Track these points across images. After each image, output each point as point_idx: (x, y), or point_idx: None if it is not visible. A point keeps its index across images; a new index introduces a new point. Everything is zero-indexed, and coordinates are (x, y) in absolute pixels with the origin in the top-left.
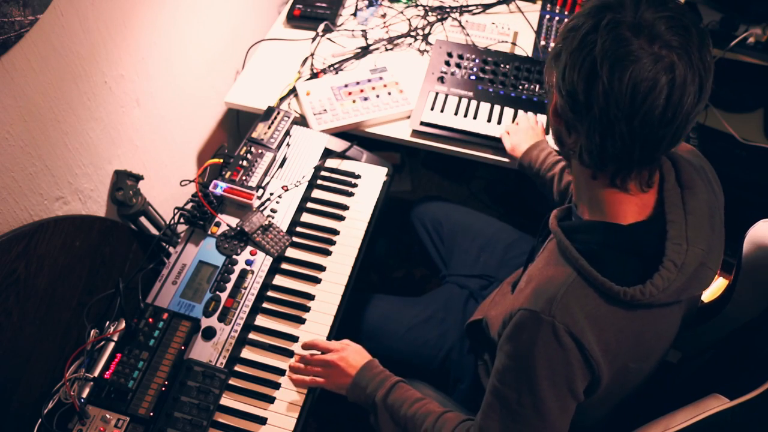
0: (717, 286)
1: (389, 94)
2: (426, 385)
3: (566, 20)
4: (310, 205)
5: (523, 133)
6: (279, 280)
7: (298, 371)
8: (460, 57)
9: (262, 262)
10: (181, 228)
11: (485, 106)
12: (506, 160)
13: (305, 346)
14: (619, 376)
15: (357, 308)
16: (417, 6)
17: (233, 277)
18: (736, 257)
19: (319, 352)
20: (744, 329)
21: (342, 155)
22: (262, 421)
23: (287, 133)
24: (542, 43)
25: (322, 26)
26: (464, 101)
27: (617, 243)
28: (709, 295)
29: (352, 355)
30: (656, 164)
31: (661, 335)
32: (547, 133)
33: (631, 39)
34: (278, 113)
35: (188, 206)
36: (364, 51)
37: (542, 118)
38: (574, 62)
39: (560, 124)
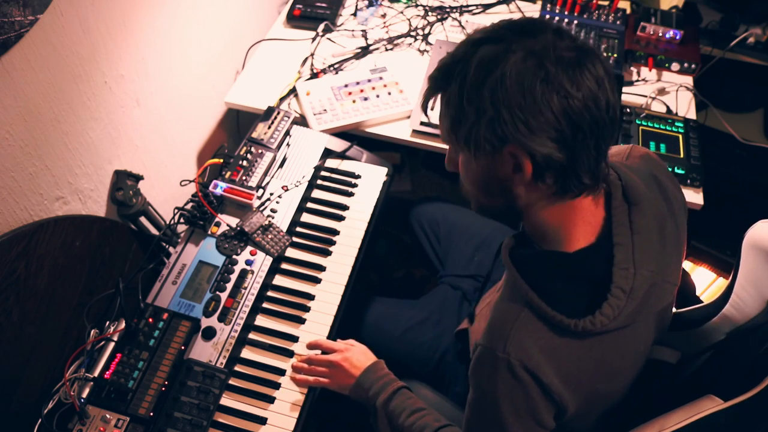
0: (717, 286)
1: (389, 94)
2: (424, 385)
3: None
4: (310, 205)
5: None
6: (279, 280)
7: (301, 371)
8: None
9: (262, 262)
10: (181, 228)
11: None
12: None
13: (310, 346)
14: (590, 399)
15: (354, 309)
16: (417, 6)
17: (233, 277)
18: (735, 257)
19: (322, 352)
20: (742, 330)
21: (342, 155)
22: (262, 421)
23: (287, 133)
24: None
25: (322, 26)
26: None
27: (565, 271)
28: (709, 294)
29: (357, 355)
30: (600, 170)
31: (625, 355)
32: None
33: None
34: (278, 113)
35: (188, 206)
36: (364, 51)
37: None
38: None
39: (515, 149)
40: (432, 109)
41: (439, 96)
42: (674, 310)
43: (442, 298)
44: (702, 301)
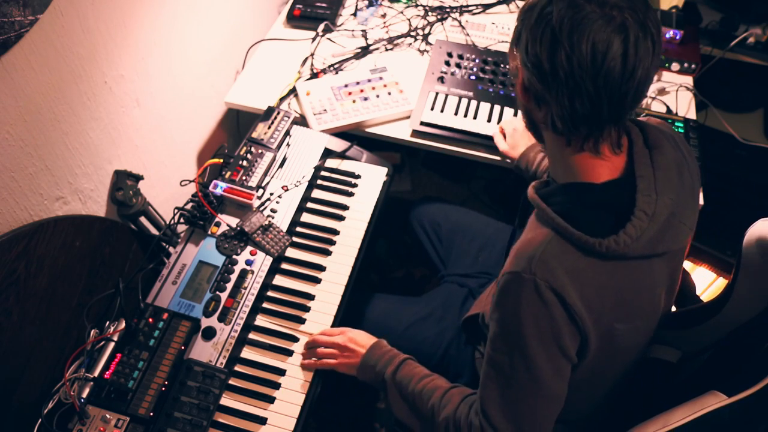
0: (717, 286)
1: (389, 94)
2: None
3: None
4: (310, 205)
5: (520, 135)
6: (279, 280)
7: (307, 356)
8: (460, 57)
9: (262, 262)
10: (181, 228)
11: (485, 106)
12: (506, 159)
13: (308, 344)
14: (606, 340)
15: (357, 307)
16: (417, 6)
17: (233, 277)
18: (735, 257)
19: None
20: (744, 328)
21: (342, 155)
22: (262, 421)
23: (287, 133)
24: None
25: (322, 26)
26: (464, 101)
27: (591, 200)
28: (709, 294)
29: (359, 336)
30: (623, 123)
31: (642, 292)
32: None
33: (583, 5)
34: (278, 113)
35: (188, 206)
36: (364, 51)
37: None
38: (535, 36)
39: (529, 100)
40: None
41: None
42: (674, 309)
43: (446, 295)
44: (702, 301)
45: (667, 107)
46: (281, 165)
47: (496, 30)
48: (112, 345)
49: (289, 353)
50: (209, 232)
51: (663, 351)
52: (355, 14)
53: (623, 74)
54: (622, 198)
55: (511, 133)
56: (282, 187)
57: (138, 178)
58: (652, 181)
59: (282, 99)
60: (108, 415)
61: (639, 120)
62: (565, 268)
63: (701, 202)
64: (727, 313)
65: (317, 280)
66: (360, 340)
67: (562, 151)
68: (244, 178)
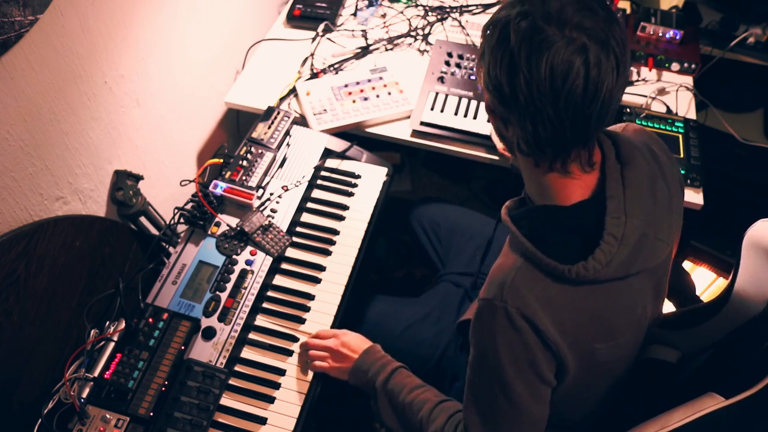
0: (717, 286)
1: (389, 94)
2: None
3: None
4: (310, 205)
5: None
6: (279, 280)
7: (301, 360)
8: (460, 57)
9: (262, 262)
10: (181, 228)
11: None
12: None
13: (303, 346)
14: (587, 360)
15: (355, 308)
16: (417, 6)
17: (233, 277)
18: (735, 257)
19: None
20: (743, 329)
21: (342, 155)
22: (262, 421)
23: (287, 133)
24: None
25: (322, 26)
26: (464, 101)
27: (561, 224)
28: (708, 294)
29: (354, 340)
30: (591, 144)
31: (621, 312)
32: None
33: (542, 27)
34: (278, 113)
35: (188, 206)
36: (364, 51)
37: None
38: (495, 59)
39: (496, 119)
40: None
41: None
42: (674, 309)
43: (443, 295)
44: (702, 301)
45: (667, 107)
46: (281, 165)
47: None
48: (112, 345)
49: (289, 353)
50: (209, 232)
51: (662, 351)
52: (355, 14)
53: (584, 97)
54: (592, 220)
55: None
56: (282, 187)
57: (138, 178)
58: (621, 201)
59: (282, 99)
60: (108, 415)
61: (612, 132)
62: (536, 295)
63: (701, 202)
64: (727, 313)
65: (317, 280)
66: (353, 344)
67: (531, 172)
68: (244, 178)
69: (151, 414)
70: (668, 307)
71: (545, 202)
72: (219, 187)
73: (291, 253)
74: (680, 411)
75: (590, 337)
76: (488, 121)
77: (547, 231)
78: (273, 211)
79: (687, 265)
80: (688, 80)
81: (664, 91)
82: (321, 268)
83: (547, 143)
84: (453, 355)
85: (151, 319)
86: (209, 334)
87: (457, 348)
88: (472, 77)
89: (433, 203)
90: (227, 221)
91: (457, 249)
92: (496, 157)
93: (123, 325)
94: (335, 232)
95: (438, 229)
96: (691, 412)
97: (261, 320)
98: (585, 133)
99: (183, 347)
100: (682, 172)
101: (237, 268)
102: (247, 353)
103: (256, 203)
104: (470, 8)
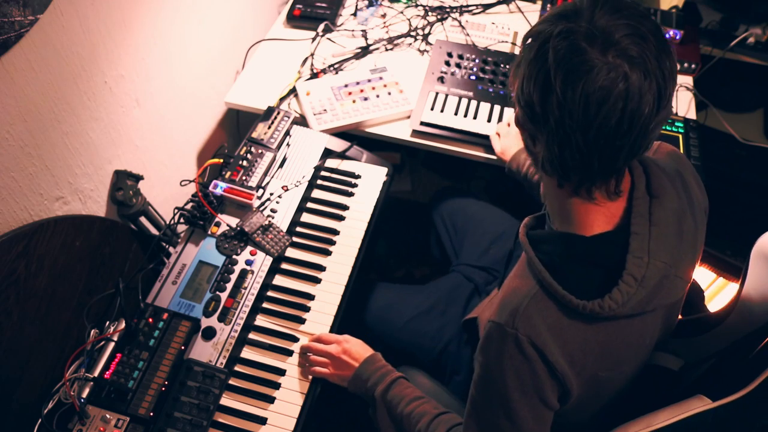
0: (717, 286)
1: (389, 94)
2: (422, 373)
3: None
4: (310, 205)
5: (512, 137)
6: (279, 280)
7: (301, 362)
8: (460, 57)
9: (262, 262)
10: (181, 228)
11: (485, 106)
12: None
13: (310, 341)
14: (591, 385)
15: (362, 296)
16: (417, 6)
17: (233, 277)
18: (736, 259)
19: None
20: (746, 339)
21: (342, 155)
22: (262, 421)
23: (287, 133)
24: None
25: (322, 26)
26: (464, 101)
27: (580, 255)
28: (708, 295)
29: (355, 347)
30: (620, 174)
31: (630, 344)
32: None
33: (584, 48)
34: (278, 113)
35: (188, 206)
36: (364, 51)
37: None
38: (530, 73)
39: (525, 133)
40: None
41: None
42: (680, 317)
43: (451, 287)
44: (708, 311)
45: None
46: (281, 165)
47: (496, 30)
48: (112, 345)
49: (289, 353)
50: (209, 232)
51: (665, 359)
52: (355, 14)
53: (618, 128)
54: (613, 255)
55: (504, 134)
56: (282, 187)
57: (138, 178)
58: (646, 240)
59: (282, 99)
60: (108, 415)
61: (644, 158)
62: (548, 325)
63: None
64: (731, 323)
65: (317, 280)
66: (354, 352)
67: (555, 192)
68: (244, 178)
69: (151, 414)
70: None
71: (566, 227)
72: (219, 187)
73: (291, 253)
74: (667, 411)
75: (596, 366)
76: (488, 121)
77: (565, 260)
78: (273, 211)
79: None
80: (688, 80)
81: None
82: (321, 268)
83: (573, 170)
84: (455, 350)
85: (151, 319)
86: (209, 334)
87: (460, 343)
88: (472, 77)
89: (456, 195)
90: (227, 221)
91: (472, 240)
92: (496, 157)
93: (123, 325)
94: (335, 232)
95: (456, 218)
96: (677, 412)
97: (261, 320)
98: (613, 164)
99: (183, 347)
100: None
101: (237, 268)
102: (247, 353)
103: (256, 203)
104: (470, 8)
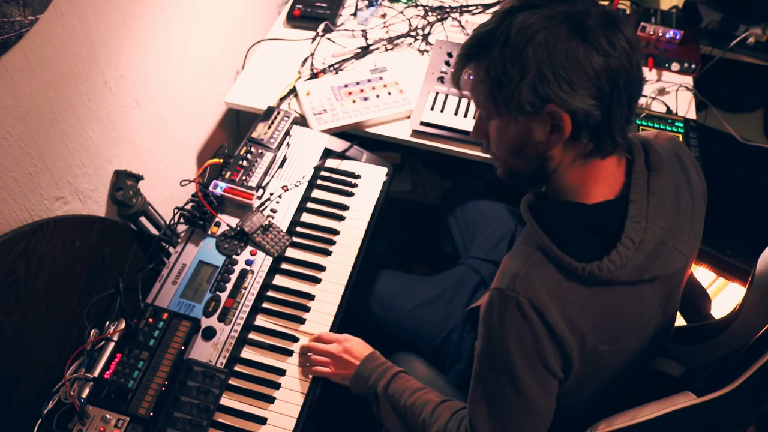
0: (717, 286)
1: (389, 94)
2: (419, 359)
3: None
4: (310, 205)
5: None
6: (279, 280)
7: (302, 362)
8: None
9: (262, 262)
10: (181, 228)
11: None
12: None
13: (303, 349)
14: (592, 360)
15: (368, 281)
16: (417, 6)
17: (233, 277)
18: (736, 259)
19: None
20: (749, 347)
21: (342, 155)
22: (262, 421)
23: (287, 133)
24: None
25: (322, 26)
26: (464, 101)
27: (580, 221)
28: (715, 304)
29: (355, 346)
30: (625, 138)
31: (629, 317)
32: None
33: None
34: (278, 113)
35: (188, 206)
36: (364, 51)
37: None
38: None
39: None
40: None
41: (473, 65)
42: (685, 323)
43: (459, 278)
44: (712, 316)
45: (667, 107)
46: (281, 165)
47: None
48: (112, 345)
49: (289, 353)
50: (209, 232)
51: (666, 364)
52: (355, 14)
53: (638, 77)
54: (612, 221)
55: None
56: (282, 187)
57: (138, 178)
58: (644, 207)
59: (282, 99)
60: (108, 415)
61: (644, 137)
62: (548, 289)
63: None
64: (734, 331)
65: (317, 280)
66: (355, 351)
67: (559, 166)
68: (244, 178)
69: (151, 414)
70: (678, 321)
71: (566, 197)
72: (219, 187)
73: (291, 253)
74: (652, 405)
75: (596, 337)
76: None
77: (565, 227)
78: (273, 211)
79: None
80: (688, 80)
81: (664, 91)
82: (321, 268)
83: (595, 128)
84: (457, 339)
85: (151, 319)
86: (209, 334)
87: (463, 332)
88: (472, 77)
89: (465, 193)
90: (227, 221)
91: (482, 235)
92: None
93: (123, 325)
94: (335, 232)
95: (467, 216)
96: (662, 407)
97: (261, 320)
98: (630, 118)
99: (183, 347)
100: None
101: (237, 268)
102: (247, 353)
103: (256, 203)
104: (470, 8)
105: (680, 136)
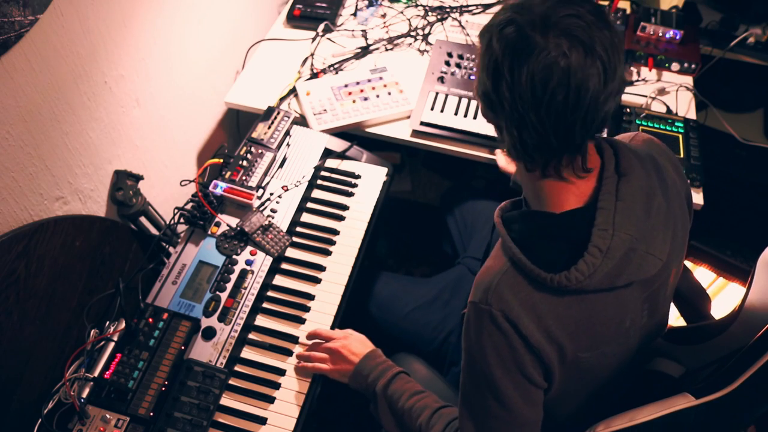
0: (717, 286)
1: (389, 94)
2: (418, 360)
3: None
4: (310, 205)
5: None
6: (279, 280)
7: (302, 359)
8: (460, 57)
9: (262, 262)
10: (181, 228)
11: None
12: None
13: (309, 336)
14: (574, 368)
15: (367, 283)
16: (417, 6)
17: (233, 277)
18: (736, 259)
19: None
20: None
21: (342, 155)
22: (262, 421)
23: (287, 133)
24: None
25: (322, 26)
26: (464, 101)
27: (549, 230)
28: (715, 304)
29: (355, 343)
30: (583, 150)
31: (607, 322)
32: None
33: (527, 34)
34: (278, 113)
35: (188, 206)
36: (364, 51)
37: None
38: (483, 64)
39: (492, 124)
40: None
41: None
42: (684, 323)
43: (456, 279)
44: (712, 316)
45: (667, 107)
46: (281, 165)
47: None
48: (112, 345)
49: (289, 353)
50: (209, 232)
51: (666, 365)
52: (355, 14)
53: (566, 103)
54: (581, 230)
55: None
56: (282, 187)
57: (138, 178)
58: (611, 214)
59: (282, 99)
60: (108, 415)
61: (615, 141)
62: (520, 300)
63: (701, 202)
64: (734, 331)
65: (317, 280)
66: (355, 348)
67: (527, 176)
68: (244, 178)
69: (151, 414)
70: (676, 321)
71: (538, 207)
72: (219, 187)
73: (291, 253)
74: (651, 407)
75: (575, 345)
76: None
77: (535, 237)
78: (273, 211)
79: (687, 264)
80: (688, 80)
81: (664, 91)
82: (321, 268)
83: (534, 149)
84: (456, 341)
85: (151, 319)
86: (209, 334)
87: (460, 335)
88: (472, 77)
89: (465, 193)
90: (227, 221)
91: (480, 235)
92: (495, 157)
93: (123, 325)
94: (335, 232)
95: (466, 215)
96: (660, 408)
97: (261, 320)
98: (571, 139)
99: (183, 347)
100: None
101: (237, 268)
102: (247, 353)
103: (256, 203)
104: (470, 8)
105: (680, 136)
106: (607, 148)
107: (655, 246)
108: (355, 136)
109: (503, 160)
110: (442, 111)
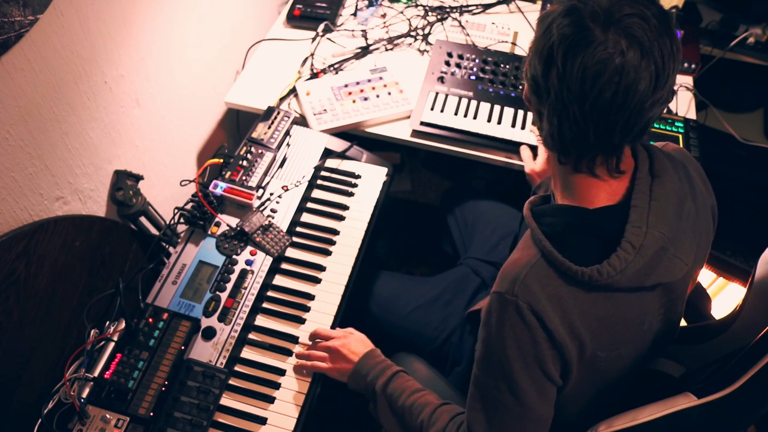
0: (717, 287)
1: (389, 94)
2: (419, 359)
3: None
4: (310, 205)
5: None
6: (279, 280)
7: (301, 357)
8: (460, 57)
9: (262, 262)
10: (181, 228)
11: (485, 106)
12: (506, 159)
13: (311, 336)
14: (590, 366)
15: (368, 282)
16: (417, 6)
17: (233, 277)
18: (736, 259)
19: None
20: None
21: (342, 155)
22: (262, 421)
23: (287, 133)
24: None
25: (322, 26)
26: (464, 101)
27: (581, 226)
28: (715, 304)
29: (355, 342)
30: (619, 152)
31: (628, 324)
32: None
33: (587, 25)
34: (278, 113)
35: (188, 206)
36: (364, 51)
37: None
38: (537, 48)
39: (532, 110)
40: None
41: None
42: (685, 323)
43: (458, 279)
44: (713, 316)
45: (668, 107)
46: (281, 165)
47: (496, 30)
48: (112, 345)
49: (289, 353)
50: (209, 232)
51: (667, 365)
52: (355, 14)
53: (612, 102)
54: (613, 227)
55: (542, 161)
56: (282, 187)
57: (138, 178)
58: (645, 212)
59: (282, 99)
60: (108, 415)
61: (649, 145)
62: (547, 294)
63: None
64: (735, 331)
65: (317, 280)
66: (354, 347)
67: (559, 168)
68: (244, 178)
69: (151, 414)
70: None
71: (568, 200)
72: (219, 187)
73: (291, 253)
74: (653, 407)
75: (595, 343)
76: (488, 121)
77: (567, 231)
78: (273, 211)
79: None
80: (688, 80)
81: None
82: (321, 268)
83: (571, 142)
84: (457, 341)
85: (151, 319)
86: (209, 334)
87: (463, 334)
88: (472, 77)
89: (466, 193)
90: (227, 221)
91: (482, 236)
92: (496, 157)
93: (123, 325)
94: (335, 232)
95: (467, 215)
96: (663, 408)
97: (261, 320)
98: (609, 139)
99: (183, 347)
100: None
101: (237, 268)
102: (247, 353)
103: (256, 203)
104: (470, 8)
105: (680, 136)
106: (642, 151)
107: (683, 250)
108: (355, 136)
109: (531, 164)
110: (442, 111)
